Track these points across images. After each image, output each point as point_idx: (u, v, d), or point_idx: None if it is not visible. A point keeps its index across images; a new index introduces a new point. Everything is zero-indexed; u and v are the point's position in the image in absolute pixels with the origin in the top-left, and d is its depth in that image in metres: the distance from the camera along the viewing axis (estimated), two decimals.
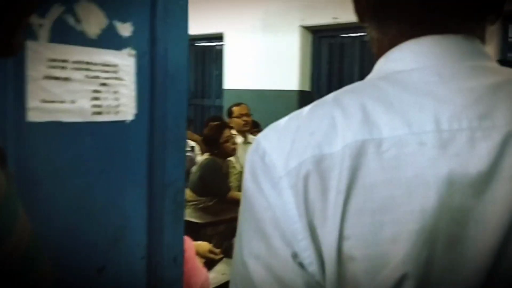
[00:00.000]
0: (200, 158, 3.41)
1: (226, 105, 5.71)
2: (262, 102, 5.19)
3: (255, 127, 4.70)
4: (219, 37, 5.88)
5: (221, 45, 5.97)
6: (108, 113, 0.95)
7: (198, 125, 6.03)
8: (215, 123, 3.30)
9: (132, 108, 0.99)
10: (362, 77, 0.53)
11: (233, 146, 3.22)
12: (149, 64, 1.03)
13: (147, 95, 1.02)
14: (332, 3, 4.75)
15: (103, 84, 0.94)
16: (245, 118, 3.84)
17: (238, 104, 3.94)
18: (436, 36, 0.47)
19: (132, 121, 0.99)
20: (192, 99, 6.48)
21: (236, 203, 3.17)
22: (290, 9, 5.05)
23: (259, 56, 5.39)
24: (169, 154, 1.06)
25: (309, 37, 5.16)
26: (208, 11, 5.76)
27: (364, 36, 4.92)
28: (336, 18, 4.76)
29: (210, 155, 3.19)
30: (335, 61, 5.11)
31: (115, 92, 0.96)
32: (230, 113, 3.90)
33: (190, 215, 2.78)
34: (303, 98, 5.14)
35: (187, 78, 1.12)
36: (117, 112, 0.96)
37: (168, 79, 1.03)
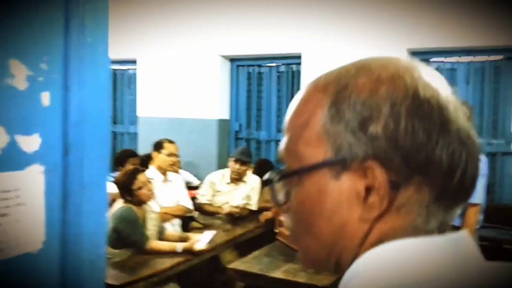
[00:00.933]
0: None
1: (141, 132, 5.45)
2: (179, 131, 5.01)
3: None
4: (132, 61, 5.61)
5: (134, 69, 5.69)
6: (9, 248, 0.77)
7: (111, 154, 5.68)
8: (128, 168, 3.06)
9: (41, 236, 0.82)
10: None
11: (149, 193, 3.01)
12: (62, 177, 0.86)
13: (58, 215, 0.86)
14: (252, 35, 4.76)
15: (2, 215, 0.76)
16: (173, 158, 3.64)
17: (170, 141, 3.70)
18: None
19: (40, 250, 0.82)
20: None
21: (155, 254, 3.00)
22: (209, 38, 4.96)
23: (175, 83, 5.22)
24: (85, 279, 0.90)
25: (228, 65, 5.10)
26: (121, 36, 5.47)
27: (279, 67, 4.99)
28: (255, 48, 4.77)
29: (125, 202, 2.96)
30: (253, 89, 5.11)
31: (18, 221, 0.79)
32: (159, 147, 3.64)
33: None
34: (222, 127, 5.07)
35: (105, 185, 0.97)
36: (19, 245, 0.78)
37: (85, 191, 0.88)
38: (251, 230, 3.65)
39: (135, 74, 5.68)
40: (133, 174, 2.98)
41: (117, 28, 5.47)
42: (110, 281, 2.41)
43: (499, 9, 3.80)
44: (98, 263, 0.95)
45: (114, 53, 5.20)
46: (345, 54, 4.25)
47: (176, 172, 4.56)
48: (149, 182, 3.07)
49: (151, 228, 3.02)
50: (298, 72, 4.81)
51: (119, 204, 2.98)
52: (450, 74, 4.14)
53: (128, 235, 2.82)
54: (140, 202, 3.00)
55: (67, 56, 0.83)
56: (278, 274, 2.54)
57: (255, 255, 2.86)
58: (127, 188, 2.93)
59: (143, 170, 3.19)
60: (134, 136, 5.73)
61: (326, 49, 4.42)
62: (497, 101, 4.03)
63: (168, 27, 5.21)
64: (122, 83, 5.92)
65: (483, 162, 2.43)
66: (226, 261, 3.49)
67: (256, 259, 2.79)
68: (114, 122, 5.99)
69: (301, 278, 2.47)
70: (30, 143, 0.80)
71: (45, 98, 0.83)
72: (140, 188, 2.95)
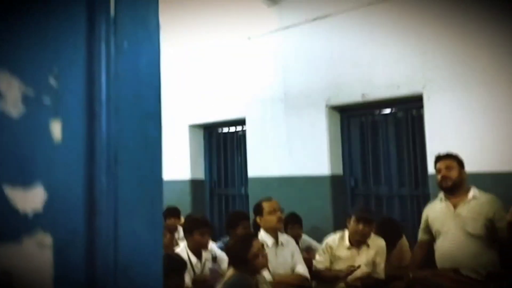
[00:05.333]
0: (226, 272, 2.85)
1: (251, 193, 5.25)
2: (290, 189, 4.69)
3: (296, 222, 4.15)
4: (241, 122, 5.56)
5: (244, 130, 5.63)
6: None
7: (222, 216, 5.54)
8: (241, 235, 2.77)
9: None
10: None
11: (264, 260, 2.67)
12: (84, 256, 0.55)
13: None
14: (360, 80, 4.39)
15: None
16: (278, 214, 3.31)
17: (268, 199, 3.42)
18: None
19: None
20: (215, 188, 6.05)
21: None
22: (316, 87, 4.70)
23: (284, 139, 4.98)
24: None
25: (337, 116, 4.75)
26: (229, 96, 5.51)
27: (397, 113, 4.49)
28: (365, 95, 4.37)
29: (236, 270, 2.64)
30: (366, 140, 4.64)
31: None
32: (259, 211, 3.36)
33: None
34: (336, 183, 4.63)
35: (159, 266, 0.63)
36: None
37: (123, 278, 0.56)
38: None
39: (244, 135, 5.61)
40: (248, 241, 2.67)
41: (226, 86, 5.53)
42: None
43: None
44: None
45: (223, 114, 5.23)
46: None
47: (298, 236, 4.18)
48: (263, 248, 2.74)
49: None
50: (420, 117, 4.26)
51: (230, 271, 2.67)
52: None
53: None
54: (255, 271, 2.66)
55: (91, 66, 0.55)
56: None
57: None
58: (241, 257, 2.63)
59: (256, 235, 2.88)
60: (245, 198, 5.55)
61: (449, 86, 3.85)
62: None
63: (275, 82, 5.09)
64: (231, 144, 5.88)
65: None
66: None
67: None
68: (225, 185, 5.92)
69: None
70: (29, 199, 0.51)
71: (55, 129, 0.54)
72: (255, 257, 2.63)
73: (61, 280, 0.53)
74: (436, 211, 3.08)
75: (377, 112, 4.55)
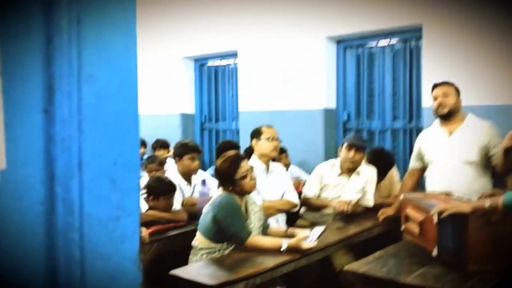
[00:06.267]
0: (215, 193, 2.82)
1: (242, 128, 5.17)
2: (282, 124, 4.61)
3: (281, 152, 4.12)
4: (233, 54, 5.38)
5: (235, 63, 5.46)
6: None
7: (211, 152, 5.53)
8: (229, 154, 2.71)
9: None
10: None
11: (252, 182, 2.63)
12: None
13: None
14: (358, 12, 4.20)
15: None
16: (275, 142, 3.24)
17: (269, 126, 3.34)
18: None
19: None
20: (205, 123, 5.96)
21: (257, 251, 2.60)
22: (314, 19, 4.51)
23: (276, 73, 4.84)
24: None
25: (333, 48, 4.59)
26: (220, 27, 5.30)
27: (394, 45, 4.35)
28: (363, 25, 4.21)
29: (224, 190, 2.61)
30: (363, 74, 4.53)
31: None
32: (257, 134, 3.29)
33: (200, 270, 2.19)
34: (328, 117, 4.56)
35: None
36: None
37: None
38: (368, 229, 3.08)
39: (236, 68, 5.45)
40: (236, 161, 2.61)
41: (217, 18, 5.30)
42: (206, 279, 2.06)
43: None
44: None
45: (214, 46, 5.04)
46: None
47: (286, 164, 4.19)
48: (252, 170, 2.69)
49: (253, 221, 2.63)
50: (418, 48, 4.13)
51: (219, 191, 2.64)
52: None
53: (228, 225, 2.46)
54: (242, 192, 2.63)
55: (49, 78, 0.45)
56: (412, 279, 1.96)
57: (378, 256, 2.30)
58: (228, 177, 2.58)
59: (245, 158, 2.82)
60: (236, 133, 5.48)
61: None
62: None
63: (268, 14, 4.88)
64: (223, 78, 5.73)
65: None
66: (339, 263, 2.98)
67: (379, 260, 2.23)
68: (216, 120, 5.83)
69: (447, 285, 1.87)
70: None
71: None
72: (243, 177, 2.58)
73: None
74: (430, 137, 3.04)
75: (374, 43, 4.40)
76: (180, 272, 2.15)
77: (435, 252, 2.18)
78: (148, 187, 3.06)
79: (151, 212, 3.00)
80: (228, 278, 2.09)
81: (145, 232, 2.73)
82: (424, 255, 2.26)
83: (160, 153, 5.01)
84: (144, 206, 3.03)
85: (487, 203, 1.98)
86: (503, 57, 3.52)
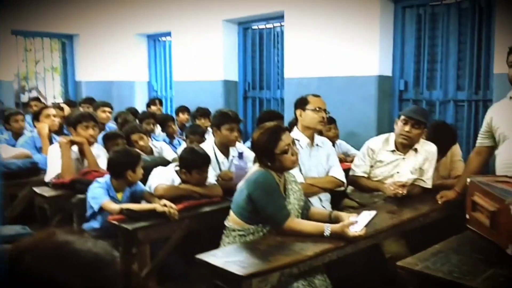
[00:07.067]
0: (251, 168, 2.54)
1: (287, 96, 4.84)
2: (330, 92, 4.23)
3: (330, 123, 3.77)
4: (279, 16, 4.98)
5: (282, 26, 5.07)
6: None
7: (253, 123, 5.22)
8: (268, 125, 2.38)
9: None
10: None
11: (293, 158, 2.32)
12: None
13: None
14: None
15: None
16: (322, 113, 2.89)
17: (316, 95, 2.99)
18: None
19: None
20: (248, 91, 5.66)
21: (296, 235, 2.34)
22: None
23: (326, 36, 4.42)
24: None
25: (391, 7, 4.10)
26: None
27: (461, 3, 3.80)
28: None
29: (262, 165, 2.32)
30: (423, 36, 4.03)
31: None
32: (302, 104, 2.93)
33: (228, 256, 1.94)
34: (383, 85, 4.13)
35: None
36: None
37: None
38: (425, 214, 2.72)
39: (282, 32, 5.06)
40: (276, 134, 2.29)
41: None
42: (235, 268, 1.81)
43: None
44: None
45: (259, 7, 4.64)
46: None
47: (334, 137, 3.86)
48: (294, 144, 2.38)
49: (293, 202, 2.34)
50: (489, 7, 3.58)
51: (255, 167, 2.36)
52: None
53: (264, 206, 2.19)
54: (282, 169, 2.33)
55: None
56: (480, 283, 1.62)
57: (437, 250, 1.96)
58: (267, 151, 2.27)
59: (288, 130, 2.50)
60: (281, 102, 5.15)
61: None
62: None
63: None
64: (268, 43, 5.36)
65: None
66: (389, 250, 2.66)
67: (439, 256, 1.89)
68: (260, 87, 5.51)
69: None
70: None
71: None
72: (284, 152, 2.27)
73: None
74: (504, 111, 2.59)
75: (437, 1, 3.87)
76: (207, 257, 1.93)
77: (510, 250, 1.81)
78: (181, 158, 2.84)
79: (183, 186, 2.80)
80: (260, 267, 1.84)
81: (174, 208, 2.52)
82: (494, 252, 1.90)
83: (201, 122, 4.80)
84: (176, 179, 2.83)
85: None
86: None
